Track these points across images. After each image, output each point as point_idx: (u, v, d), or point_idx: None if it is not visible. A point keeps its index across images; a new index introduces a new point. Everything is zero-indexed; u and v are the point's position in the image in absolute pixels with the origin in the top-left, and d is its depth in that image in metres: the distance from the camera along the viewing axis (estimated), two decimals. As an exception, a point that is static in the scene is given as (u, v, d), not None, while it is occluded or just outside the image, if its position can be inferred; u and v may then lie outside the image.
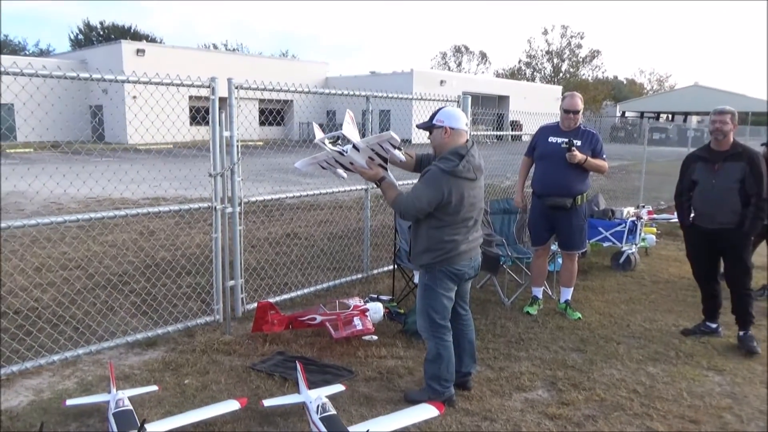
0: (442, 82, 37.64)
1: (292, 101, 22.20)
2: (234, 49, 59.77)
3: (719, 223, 4.51)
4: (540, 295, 5.38)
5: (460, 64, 74.23)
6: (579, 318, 5.09)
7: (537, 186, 5.17)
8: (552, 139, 5.04)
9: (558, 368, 4.10)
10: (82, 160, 6.08)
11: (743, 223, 4.44)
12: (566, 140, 4.90)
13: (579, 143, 4.90)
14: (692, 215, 4.69)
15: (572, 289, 5.31)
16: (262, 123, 12.50)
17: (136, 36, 50.47)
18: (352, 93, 5.71)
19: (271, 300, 4.84)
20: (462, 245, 3.46)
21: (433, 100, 6.78)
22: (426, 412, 3.22)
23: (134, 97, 5.42)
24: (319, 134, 3.60)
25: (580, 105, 5.04)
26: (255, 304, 4.68)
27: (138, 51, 31.36)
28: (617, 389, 3.80)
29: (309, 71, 38.71)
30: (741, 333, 4.57)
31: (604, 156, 5.07)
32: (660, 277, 6.60)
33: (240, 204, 4.76)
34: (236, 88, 4.61)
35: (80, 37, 54.88)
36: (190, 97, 12.86)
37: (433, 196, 3.33)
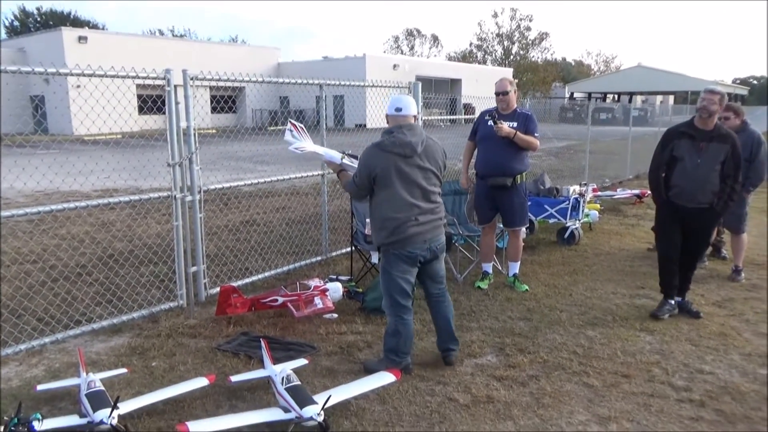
0: (395, 66, 37.80)
1: (244, 88, 21.99)
2: (181, 35, 58.26)
3: (698, 203, 4.58)
4: (490, 270, 5.70)
5: (412, 48, 74.45)
6: (526, 290, 5.45)
7: (479, 167, 5.47)
8: (489, 122, 5.32)
9: (506, 336, 4.43)
10: (27, 153, 6.01)
11: (716, 203, 4.58)
12: (489, 116, 5.24)
13: (515, 124, 5.18)
14: (670, 191, 4.70)
15: (519, 263, 5.66)
16: (214, 110, 12.45)
17: (76, 22, 48.49)
18: (305, 82, 5.84)
19: (233, 284, 4.99)
20: (411, 228, 3.62)
21: (385, 86, 6.99)
22: (384, 379, 3.47)
23: (78, 86, 5.37)
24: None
25: (509, 87, 5.32)
26: (218, 289, 4.82)
27: (80, 38, 30.24)
28: (559, 352, 4.15)
29: (260, 57, 38.21)
30: (680, 299, 4.85)
31: (537, 134, 5.34)
32: (601, 249, 7.05)
33: (200, 192, 4.87)
34: (192, 78, 4.70)
35: (16, 23, 52.39)
36: (138, 86, 12.66)
37: (364, 171, 3.66)
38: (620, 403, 3.45)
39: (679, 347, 4.25)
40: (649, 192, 9.38)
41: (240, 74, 5.27)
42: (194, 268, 4.91)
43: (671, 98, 65.43)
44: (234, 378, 3.53)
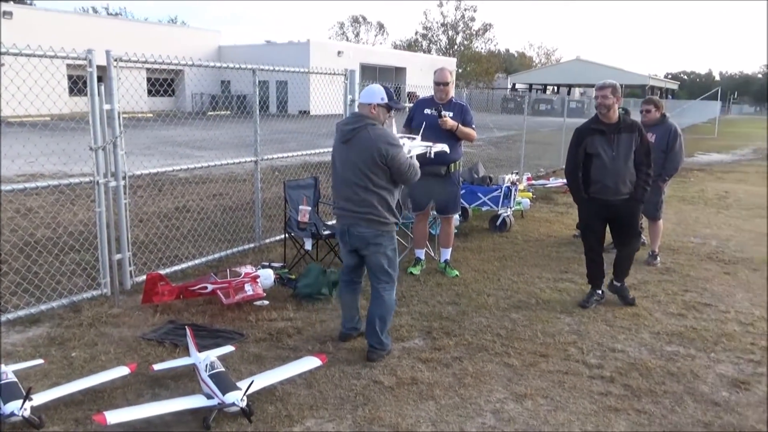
0: (339, 52, 37.50)
1: (183, 71, 21.34)
2: (116, 14, 55.75)
3: (621, 194, 4.68)
4: (422, 257, 5.81)
5: (358, 35, 74.06)
6: (456, 275, 5.59)
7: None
8: (427, 110, 5.40)
9: (434, 320, 4.55)
10: (-55, 135, 5.68)
11: (635, 192, 4.70)
12: (435, 108, 5.30)
13: (451, 114, 5.30)
14: (591, 188, 4.77)
15: (451, 249, 5.80)
16: (150, 93, 12.00)
17: (0, -4, 45.50)
18: (240, 66, 5.74)
19: (162, 272, 4.89)
20: (335, 209, 3.84)
21: (325, 73, 6.95)
22: (309, 363, 3.51)
23: (2, 65, 5.03)
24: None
25: (449, 77, 5.46)
26: (144, 277, 4.72)
27: (4, 13, 28.45)
28: (483, 334, 4.30)
29: (200, 40, 37.09)
30: (617, 283, 4.97)
31: (474, 126, 5.51)
32: (531, 236, 7.31)
33: (124, 178, 4.73)
34: (116, 60, 4.54)
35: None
36: (68, 66, 12.07)
37: None
38: (537, 381, 3.62)
39: (595, 327, 4.49)
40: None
41: (176, 57, 5.12)
42: (119, 256, 4.78)
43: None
44: (157, 366, 3.48)
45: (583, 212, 5.08)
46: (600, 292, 5.03)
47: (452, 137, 5.32)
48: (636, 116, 5.39)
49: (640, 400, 3.43)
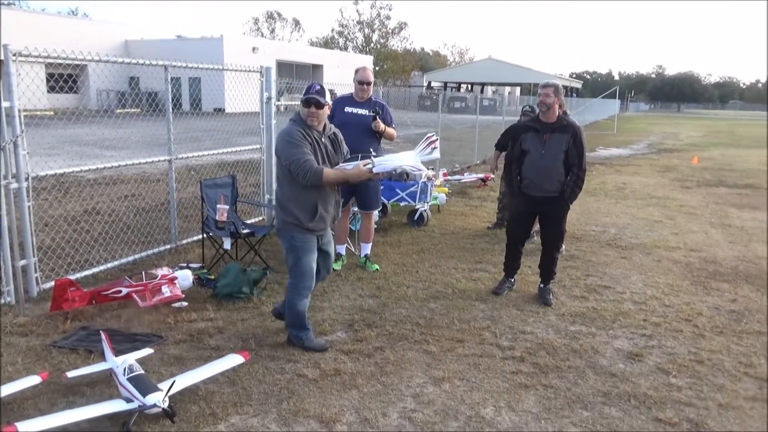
0: (254, 49, 36.78)
1: (86, 67, 20.21)
2: (9, 3, 51.68)
3: (546, 191, 4.81)
4: (343, 252, 5.91)
5: (273, 31, 72.95)
6: (377, 269, 5.73)
7: None
8: (348, 109, 5.46)
9: (356, 313, 4.66)
10: None
11: (565, 191, 4.84)
12: (373, 111, 5.36)
13: (370, 112, 5.41)
14: (521, 183, 4.91)
15: (371, 244, 5.93)
16: (52, 90, 11.27)
17: None
18: (151, 63, 5.57)
19: (72, 277, 4.68)
20: None
21: (240, 70, 6.88)
22: (232, 360, 3.52)
23: None
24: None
25: (372, 77, 5.58)
26: (52, 283, 4.50)
27: None
28: (403, 324, 4.45)
29: (105, 33, 35.21)
30: (542, 285, 5.12)
31: (393, 125, 5.67)
32: (447, 229, 7.59)
33: (27, 179, 4.49)
34: (15, 54, 4.30)
35: None
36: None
37: None
38: (454, 365, 3.82)
39: (507, 313, 4.77)
40: (492, 176, 10.26)
41: (80, 52, 4.89)
42: (23, 262, 4.54)
43: (518, 89, 70.79)
44: (70, 374, 3.36)
45: (512, 205, 5.30)
46: (512, 280, 5.34)
47: (374, 136, 5.43)
48: None
49: (547, 376, 3.71)
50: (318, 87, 3.72)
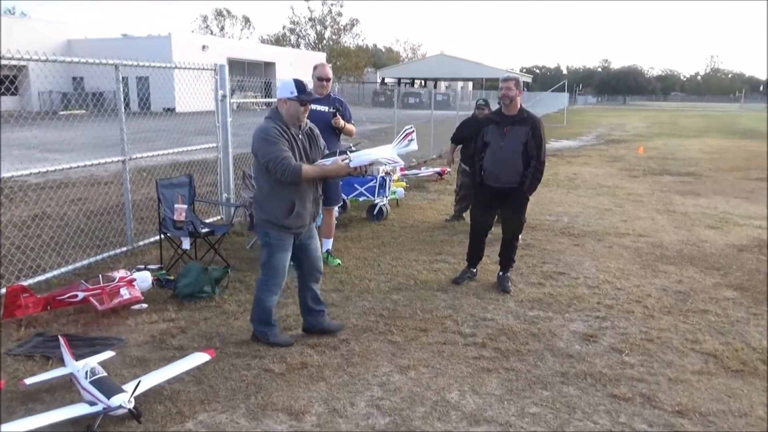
0: (204, 47, 36.07)
1: (26, 67, 19.44)
2: (-62, 2, 48.96)
3: (505, 182, 4.92)
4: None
5: (222, 29, 71.61)
6: (339, 264, 5.76)
7: None
8: (317, 107, 5.34)
9: (319, 307, 4.68)
10: None
11: (524, 183, 4.94)
12: (333, 108, 5.35)
13: (330, 109, 5.36)
14: (483, 174, 5.03)
15: (332, 239, 5.95)
16: (-11, 92, 10.76)
17: None
18: (100, 62, 5.42)
19: (24, 283, 4.54)
20: None
21: (193, 68, 6.75)
22: (198, 359, 3.50)
23: None
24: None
25: (331, 73, 5.57)
26: (3, 290, 4.36)
27: None
28: (367, 316, 4.51)
29: (45, 32, 33.85)
30: (501, 273, 5.27)
31: (352, 121, 5.69)
32: (407, 223, 7.68)
33: (-28, 183, 4.33)
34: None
35: None
36: None
37: None
38: (418, 353, 3.90)
39: (468, 301, 4.88)
40: (448, 170, 10.40)
41: (17, 51, 4.72)
42: (-28, 269, 4.37)
43: (470, 84, 71.81)
44: (29, 380, 3.28)
45: (476, 194, 5.38)
46: (474, 270, 5.46)
47: (334, 133, 5.43)
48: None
49: (508, 360, 3.83)
50: (305, 85, 3.74)
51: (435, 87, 61.50)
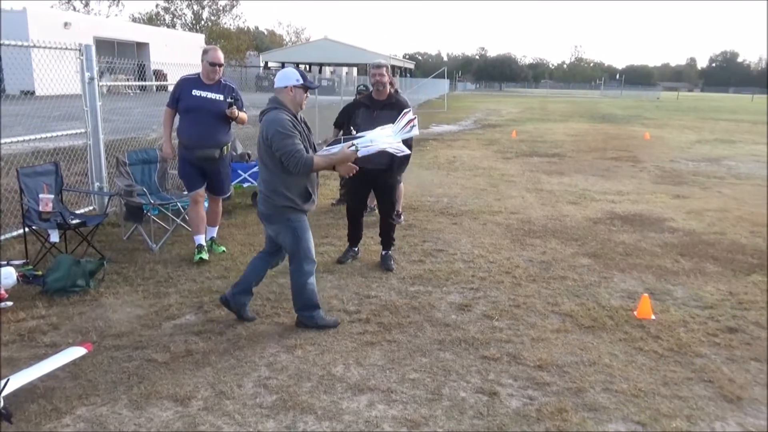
0: (66, 24, 33.05)
1: None
2: None
3: (375, 164, 4.94)
4: (203, 242, 5.53)
5: (87, 5, 65.95)
6: (223, 251, 5.70)
7: (186, 138, 5.28)
8: (197, 92, 5.18)
9: (204, 295, 4.64)
10: None
11: (393, 164, 5.10)
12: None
13: (221, 97, 5.21)
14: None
15: (217, 227, 5.84)
16: None
17: None
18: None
19: None
20: None
21: (55, 48, 6.24)
22: (73, 353, 3.36)
23: None
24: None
25: (223, 58, 5.36)
26: None
27: None
28: (253, 300, 4.49)
29: None
30: (383, 252, 5.49)
31: (244, 109, 5.54)
32: (293, 207, 7.70)
33: None
34: None
35: None
36: None
37: None
38: (305, 333, 4.01)
39: (353, 281, 5.07)
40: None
41: None
42: None
43: (355, 70, 72.14)
44: None
45: (348, 179, 5.53)
46: (356, 249, 5.65)
47: (226, 121, 5.29)
48: None
49: (391, 333, 4.06)
50: (304, 72, 3.90)
51: (320, 72, 61.14)
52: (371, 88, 5.33)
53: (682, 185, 10.27)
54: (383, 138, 4.16)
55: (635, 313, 4.47)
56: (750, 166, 13.00)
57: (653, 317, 4.40)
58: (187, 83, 5.27)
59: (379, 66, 5.13)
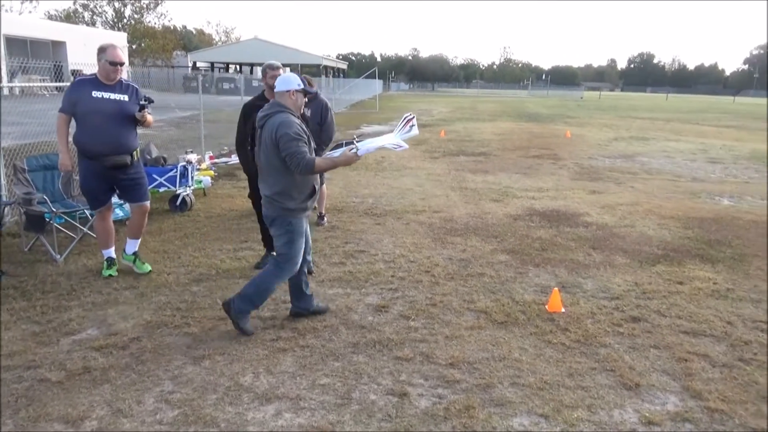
0: (-29, 21, 30.89)
1: None
2: None
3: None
4: (113, 255, 5.22)
5: (-3, 1, 61.88)
6: (150, 271, 5.22)
7: (90, 146, 4.83)
8: (97, 94, 4.79)
9: (110, 307, 4.41)
10: None
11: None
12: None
13: (125, 97, 4.89)
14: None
15: (140, 240, 5.43)
16: None
17: None
18: None
19: None
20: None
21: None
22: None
23: None
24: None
25: (124, 57, 5.03)
26: None
27: None
28: (163, 311, 4.36)
29: None
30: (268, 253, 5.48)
31: (149, 109, 5.24)
32: (213, 212, 7.50)
33: None
34: None
35: None
36: None
37: None
38: (216, 342, 3.88)
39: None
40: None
41: None
42: None
43: (288, 70, 71.27)
44: None
45: (252, 179, 5.38)
46: (273, 253, 5.52)
47: (131, 123, 4.95)
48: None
49: (305, 338, 3.99)
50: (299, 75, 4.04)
51: (251, 72, 60.03)
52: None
53: (598, 181, 10.73)
54: (384, 138, 4.40)
55: (547, 306, 4.60)
56: (661, 162, 13.76)
57: (563, 310, 4.55)
58: (85, 84, 4.84)
59: (274, 67, 5.16)
